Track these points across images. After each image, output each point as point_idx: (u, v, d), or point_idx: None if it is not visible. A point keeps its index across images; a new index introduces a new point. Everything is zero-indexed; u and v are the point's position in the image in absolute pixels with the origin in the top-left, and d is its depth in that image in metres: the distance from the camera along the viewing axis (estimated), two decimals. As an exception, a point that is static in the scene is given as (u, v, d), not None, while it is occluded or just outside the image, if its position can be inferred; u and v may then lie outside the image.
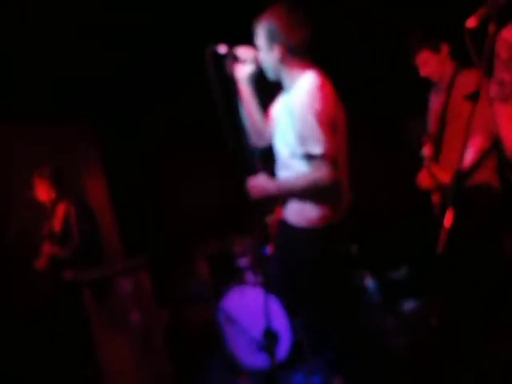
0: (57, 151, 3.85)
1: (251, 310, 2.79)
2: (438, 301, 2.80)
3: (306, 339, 2.37)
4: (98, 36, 3.37)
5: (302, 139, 1.65)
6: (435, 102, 2.25)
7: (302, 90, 1.68)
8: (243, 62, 1.79)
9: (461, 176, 1.61)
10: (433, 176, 2.12)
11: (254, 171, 1.77)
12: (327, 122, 1.63)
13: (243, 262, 3.06)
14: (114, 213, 4.29)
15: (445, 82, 2.17)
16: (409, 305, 3.12)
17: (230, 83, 1.82)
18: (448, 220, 1.38)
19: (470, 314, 2.08)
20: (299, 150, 1.67)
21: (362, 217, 3.42)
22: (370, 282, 3.12)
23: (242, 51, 1.78)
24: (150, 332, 2.87)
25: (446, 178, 2.06)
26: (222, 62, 1.77)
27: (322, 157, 1.61)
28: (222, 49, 1.74)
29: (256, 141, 1.92)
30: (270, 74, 1.78)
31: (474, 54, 1.49)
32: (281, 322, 2.71)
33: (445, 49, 2.15)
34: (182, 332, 3.50)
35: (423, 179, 2.18)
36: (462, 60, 2.13)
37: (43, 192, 2.99)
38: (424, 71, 2.18)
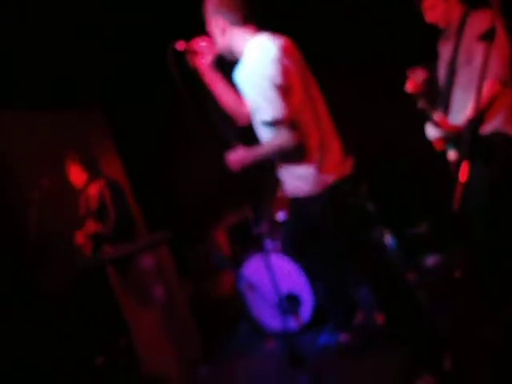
0: (71, 138, 3.87)
1: (272, 276, 2.82)
2: (461, 254, 2.77)
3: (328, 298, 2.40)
4: (100, 35, 3.34)
5: (255, 108, 1.72)
6: (444, 49, 2.13)
7: (246, 58, 1.74)
8: (202, 52, 1.86)
9: (474, 125, 1.53)
10: (439, 125, 2.02)
11: (231, 146, 1.86)
12: (275, 86, 1.65)
13: (261, 228, 3.07)
14: (132, 191, 4.35)
15: (453, 26, 2.04)
16: (430, 259, 3.09)
17: (196, 75, 1.90)
18: (463, 174, 1.32)
19: (492, 265, 2.04)
20: (257, 118, 1.75)
21: (378, 172, 3.39)
22: (389, 239, 3.09)
23: (197, 43, 1.85)
24: (175, 304, 2.95)
25: (451, 125, 1.98)
26: (184, 58, 1.85)
27: (276, 122, 1.66)
28: (180, 46, 1.81)
29: (239, 120, 1.99)
30: (226, 54, 1.85)
31: None
32: (302, 286, 2.74)
33: None
34: (207, 301, 3.60)
35: (409, 85, 2.07)
36: (471, 4, 2.01)
37: (76, 175, 3.11)
38: (430, 16, 2.05)
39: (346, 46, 3.26)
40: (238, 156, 1.86)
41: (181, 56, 1.83)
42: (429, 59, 2.33)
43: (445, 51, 2.12)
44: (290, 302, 2.78)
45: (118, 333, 3.03)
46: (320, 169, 1.79)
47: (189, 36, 1.95)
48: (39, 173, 3.18)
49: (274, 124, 1.69)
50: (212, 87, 1.93)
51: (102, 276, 2.92)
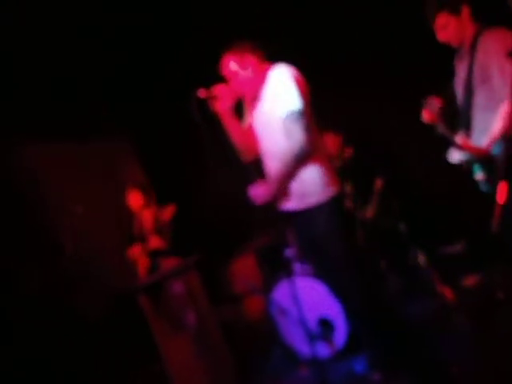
0: (100, 165, 4.01)
1: (303, 300, 2.76)
2: (502, 273, 2.63)
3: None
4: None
5: (283, 103, 1.91)
6: (460, 67, 2.08)
7: (273, 82, 1.99)
8: (222, 97, 2.04)
9: (508, 146, 1.47)
10: (463, 149, 1.97)
11: (251, 181, 2.01)
12: (297, 87, 1.93)
13: (290, 252, 3.03)
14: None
15: (466, 45, 1.99)
16: (469, 279, 2.95)
17: (215, 118, 2.10)
18: (502, 195, 1.27)
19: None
20: (281, 114, 1.92)
21: (412, 192, 3.31)
22: (422, 259, 2.98)
23: (218, 89, 2.02)
24: (206, 329, 2.93)
25: (476, 147, 1.92)
26: (205, 104, 2.04)
27: (299, 113, 1.88)
28: (202, 93, 1.99)
29: (247, 156, 2.17)
30: (248, 92, 2.07)
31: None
32: (335, 311, 2.67)
33: (465, 11, 1.96)
34: (239, 326, 3.55)
35: (425, 115, 2.09)
36: (484, 22, 1.97)
37: (135, 199, 3.45)
38: (443, 35, 2.01)
39: (370, 62, 3.26)
40: (260, 190, 1.99)
41: (202, 102, 2.01)
42: (444, 75, 2.29)
43: (460, 70, 2.08)
44: (322, 328, 2.71)
45: (150, 359, 3.03)
46: (329, 177, 1.98)
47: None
48: (72, 200, 3.29)
49: (297, 116, 1.88)
50: (229, 128, 2.10)
51: (134, 302, 2.95)
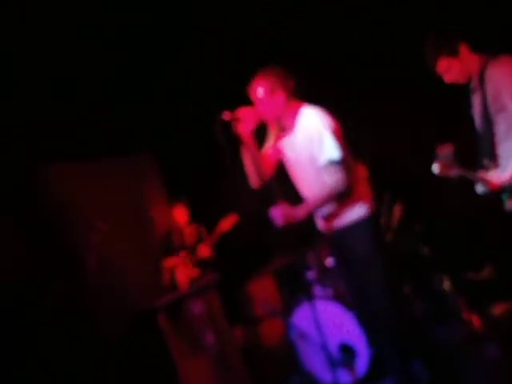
0: (124, 183, 4.11)
1: (324, 325, 2.71)
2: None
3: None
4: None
5: (323, 151, 2.01)
6: (475, 101, 2.08)
7: (311, 120, 2.07)
8: (245, 120, 2.07)
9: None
10: (487, 183, 1.97)
11: (273, 202, 2.04)
12: (338, 136, 2.05)
13: (310, 275, 3.00)
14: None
15: (475, 79, 2.00)
16: (498, 307, 2.84)
17: (238, 140, 2.12)
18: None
19: None
20: (322, 162, 2.02)
21: (437, 214, 3.25)
22: (447, 285, 2.90)
23: (242, 112, 2.05)
24: (226, 351, 2.90)
25: (499, 184, 1.93)
26: (229, 126, 2.06)
27: (339, 161, 1.99)
28: (226, 116, 2.02)
29: (256, 181, 2.19)
30: (272, 119, 2.13)
31: None
32: (357, 336, 2.60)
33: (463, 49, 1.97)
34: (259, 350, 3.50)
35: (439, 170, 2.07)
36: (485, 51, 1.99)
37: (180, 214, 3.69)
38: (448, 78, 2.03)
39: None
40: (282, 212, 2.02)
41: (226, 124, 2.04)
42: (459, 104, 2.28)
43: (475, 102, 2.08)
44: (344, 354, 2.64)
45: (167, 379, 3.01)
46: (366, 195, 2.11)
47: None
48: (97, 217, 3.37)
49: (337, 163, 1.99)
50: (246, 150, 2.13)
51: (154, 321, 2.96)
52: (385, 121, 3.38)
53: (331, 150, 1.99)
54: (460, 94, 2.84)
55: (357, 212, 2.07)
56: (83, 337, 3.27)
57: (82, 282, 3.21)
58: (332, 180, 2.01)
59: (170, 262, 3.42)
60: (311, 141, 2.05)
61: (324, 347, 2.62)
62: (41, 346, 3.05)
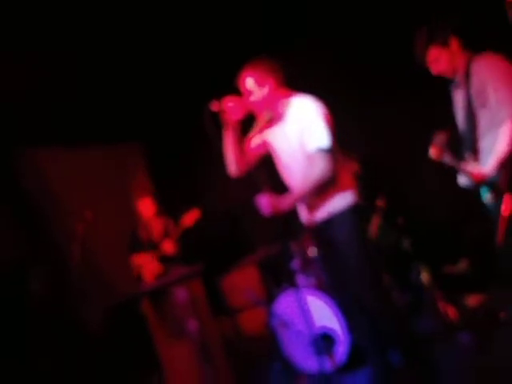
0: (111, 173, 4.06)
1: (305, 313, 2.76)
2: (505, 293, 2.63)
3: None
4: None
5: (313, 138, 2.03)
6: (457, 96, 2.16)
7: (303, 108, 2.08)
8: (232, 110, 2.06)
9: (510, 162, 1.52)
10: (470, 174, 2.03)
11: (259, 191, 2.06)
12: (329, 124, 2.06)
13: (294, 264, 3.04)
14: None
15: (461, 74, 2.07)
16: (472, 299, 2.95)
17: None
18: (506, 208, 1.30)
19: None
20: (311, 149, 2.03)
21: (416, 210, 3.34)
22: (425, 277, 2.99)
23: (230, 102, 2.05)
24: (207, 339, 2.93)
25: (482, 175, 1.98)
26: (217, 116, 2.06)
27: (327, 149, 2.00)
28: (215, 106, 2.03)
29: (235, 169, 2.20)
30: (261, 110, 2.13)
31: None
32: (337, 324, 2.67)
33: (454, 42, 2.05)
34: (241, 338, 3.53)
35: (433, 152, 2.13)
36: (473, 49, 2.06)
37: (146, 207, 3.48)
38: (436, 68, 2.09)
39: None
40: (269, 201, 2.04)
41: (214, 114, 2.04)
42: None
43: (459, 98, 2.14)
44: (324, 341, 2.70)
45: (150, 367, 3.01)
46: (349, 187, 2.12)
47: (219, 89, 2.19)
48: (82, 206, 3.33)
49: (326, 151, 2.00)
50: (229, 139, 2.13)
51: (136, 308, 2.95)
52: (370, 117, 3.45)
53: (321, 137, 2.01)
54: (444, 91, 2.93)
55: (340, 203, 2.10)
56: (66, 324, 3.24)
57: (66, 269, 3.18)
58: (318, 168, 2.02)
59: (136, 259, 3.35)
60: (302, 128, 2.06)
61: (306, 335, 2.68)
62: (25, 334, 3.00)
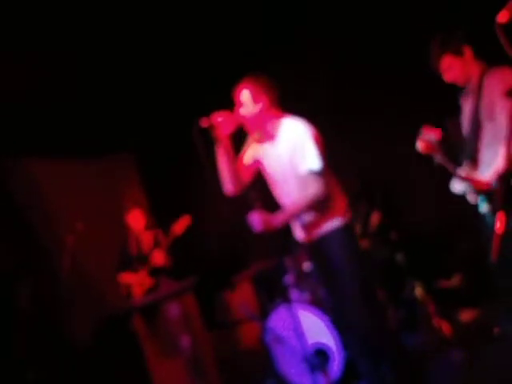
0: (103, 185, 4.04)
1: (299, 328, 2.74)
2: (498, 308, 2.64)
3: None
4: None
5: (305, 160, 2.05)
6: (466, 105, 2.18)
7: (294, 130, 2.11)
8: (222, 125, 2.06)
9: (506, 177, 1.54)
10: (468, 181, 2.05)
11: (251, 208, 2.06)
12: (320, 146, 2.08)
13: (288, 279, 3.03)
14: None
15: (473, 84, 2.09)
16: (465, 314, 2.96)
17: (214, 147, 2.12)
18: (500, 225, 1.31)
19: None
20: (302, 171, 2.05)
21: (410, 225, 3.36)
22: (419, 292, 2.99)
23: (220, 117, 2.04)
24: (200, 355, 2.89)
25: (479, 181, 1.99)
26: (207, 132, 2.05)
27: (319, 171, 2.03)
28: (205, 123, 2.02)
29: (231, 187, 2.18)
30: (252, 125, 2.13)
31: (508, 48, 1.45)
32: (331, 340, 2.65)
33: (468, 51, 2.08)
34: (234, 354, 3.49)
35: (420, 145, 2.15)
36: (487, 60, 2.08)
37: (136, 219, 3.44)
38: (449, 76, 2.11)
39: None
40: (260, 218, 2.04)
41: (204, 130, 2.03)
42: (440, 111, 2.38)
43: (466, 107, 2.16)
44: (318, 357, 2.68)
45: (141, 382, 2.95)
46: (343, 206, 2.15)
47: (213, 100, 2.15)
48: (74, 218, 3.30)
49: (317, 173, 2.03)
50: (222, 154, 2.12)
51: (128, 323, 2.91)
52: (362, 131, 3.48)
53: (313, 159, 2.03)
54: (437, 103, 2.97)
55: (333, 222, 2.11)
56: (56, 338, 3.18)
57: (55, 281, 3.13)
58: (311, 189, 2.04)
59: (125, 277, 3.29)
60: (294, 150, 2.08)
61: (300, 350, 2.65)
62: (12, 347, 2.94)
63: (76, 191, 3.87)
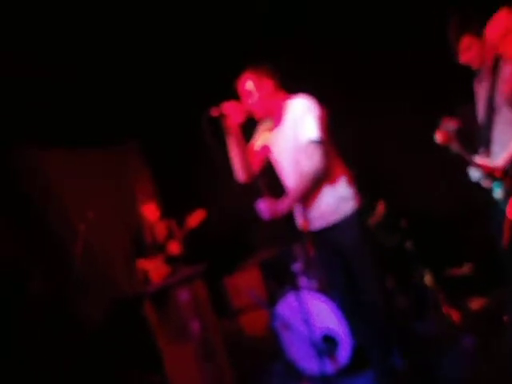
0: (112, 172, 4.08)
1: (308, 315, 2.76)
2: (509, 296, 2.62)
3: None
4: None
5: (304, 130, 2.03)
6: (480, 89, 2.14)
7: (297, 105, 2.10)
8: (232, 114, 2.06)
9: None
10: (481, 167, 2.02)
11: (260, 195, 2.06)
12: (322, 122, 2.07)
13: (296, 267, 3.04)
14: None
15: (487, 67, 2.05)
16: (475, 302, 2.94)
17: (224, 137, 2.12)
18: (511, 211, 1.29)
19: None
20: (302, 141, 2.03)
21: (421, 213, 3.33)
22: (429, 279, 2.98)
23: (229, 106, 2.05)
24: (210, 340, 2.92)
25: (492, 167, 1.96)
26: (217, 122, 2.05)
27: (319, 142, 2.00)
28: (215, 112, 2.01)
29: (242, 175, 2.20)
30: (261, 113, 2.14)
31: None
32: (340, 327, 2.66)
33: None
34: (242, 339, 3.53)
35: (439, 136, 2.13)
36: None
37: (151, 211, 3.56)
38: (465, 57, 2.08)
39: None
40: (268, 206, 2.04)
41: (214, 120, 2.03)
42: (450, 98, 2.34)
43: (481, 91, 2.12)
44: (326, 343, 2.70)
45: (152, 368, 3.00)
46: (351, 192, 2.10)
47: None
48: (85, 205, 3.34)
49: (316, 143, 2.00)
50: (233, 144, 2.13)
51: (139, 309, 2.95)
52: (369, 119, 3.44)
53: (311, 129, 2.02)
54: (443, 91, 2.91)
55: (344, 207, 2.08)
56: (67, 325, 3.24)
57: (67, 270, 3.18)
58: (312, 161, 2.02)
59: (142, 263, 3.37)
60: (295, 123, 2.08)
61: (308, 336, 2.67)
62: (24, 334, 3.00)
63: (85, 180, 3.90)
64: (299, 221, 2.24)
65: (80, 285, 3.16)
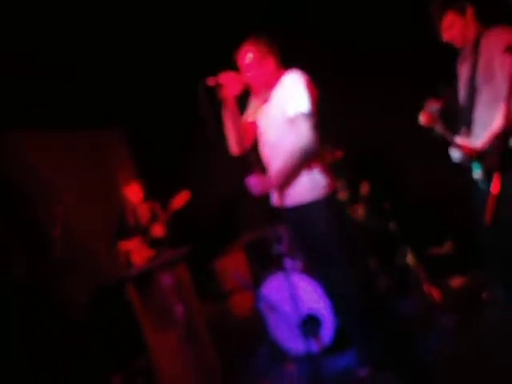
0: (94, 155, 3.99)
1: (292, 295, 2.77)
2: (488, 275, 2.68)
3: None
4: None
5: (293, 103, 1.96)
6: (462, 69, 2.12)
7: (287, 78, 2.04)
8: (229, 85, 2.02)
9: (503, 137, 1.50)
10: (461, 148, 2.01)
11: (250, 171, 2.02)
12: (312, 96, 2.00)
13: (280, 248, 3.03)
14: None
15: (469, 45, 2.04)
16: (456, 280, 3.00)
17: (219, 106, 2.08)
18: (495, 186, 1.29)
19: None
20: (291, 113, 1.96)
21: (402, 192, 3.36)
22: (411, 259, 3.02)
23: (226, 77, 2.01)
24: (193, 323, 2.91)
25: (473, 148, 1.96)
26: (213, 92, 2.01)
27: (309, 115, 1.93)
28: (212, 81, 1.97)
29: (236, 148, 2.18)
30: (258, 86, 2.08)
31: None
32: (323, 307, 2.68)
33: (470, 11, 2.01)
34: (227, 322, 3.53)
35: (423, 118, 2.12)
36: (486, 22, 2.02)
37: (134, 192, 3.51)
38: (448, 35, 2.05)
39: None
40: (258, 181, 2.00)
41: (210, 90, 1.98)
42: (434, 78, 2.34)
43: (463, 71, 2.11)
44: (310, 324, 2.71)
45: (136, 352, 2.99)
46: (324, 175, 2.02)
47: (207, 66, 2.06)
48: (62, 189, 3.26)
49: (306, 115, 1.93)
50: (228, 116, 2.09)
51: (121, 293, 2.91)
52: (352, 101, 3.42)
53: (301, 102, 1.94)
54: (430, 73, 2.91)
55: (316, 191, 2.01)
56: (50, 310, 3.19)
57: (47, 254, 3.11)
58: (301, 135, 1.94)
59: (124, 245, 3.34)
60: (284, 98, 2.00)
61: (292, 317, 2.68)
62: (6, 320, 2.94)
63: (69, 163, 3.82)
64: (273, 197, 2.19)
65: (61, 269, 3.10)
